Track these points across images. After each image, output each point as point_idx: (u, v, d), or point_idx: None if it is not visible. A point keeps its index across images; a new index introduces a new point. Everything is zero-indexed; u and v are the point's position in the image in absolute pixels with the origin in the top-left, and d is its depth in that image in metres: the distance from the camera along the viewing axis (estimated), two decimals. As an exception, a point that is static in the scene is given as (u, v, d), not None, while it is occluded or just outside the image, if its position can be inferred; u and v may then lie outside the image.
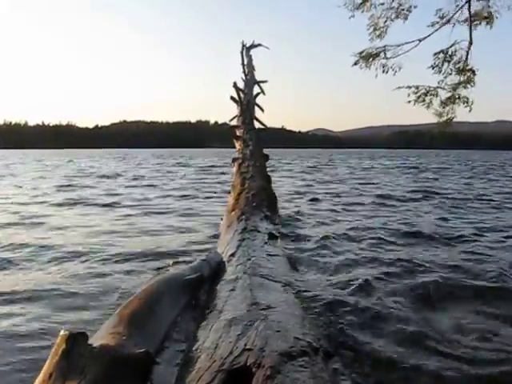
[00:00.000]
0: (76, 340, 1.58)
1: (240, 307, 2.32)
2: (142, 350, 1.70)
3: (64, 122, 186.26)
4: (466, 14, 6.43)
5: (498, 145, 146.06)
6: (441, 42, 6.73)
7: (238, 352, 1.72)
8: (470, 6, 6.41)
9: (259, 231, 4.55)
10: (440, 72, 6.73)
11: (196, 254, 4.60)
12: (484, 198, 10.83)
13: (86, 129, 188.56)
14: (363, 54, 6.77)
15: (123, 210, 8.64)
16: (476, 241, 5.64)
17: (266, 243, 4.15)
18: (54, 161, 39.97)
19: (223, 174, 20.08)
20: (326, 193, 12.12)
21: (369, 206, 9.27)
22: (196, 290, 2.98)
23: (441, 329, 2.86)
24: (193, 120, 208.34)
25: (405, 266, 4.25)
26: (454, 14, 6.49)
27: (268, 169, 8.00)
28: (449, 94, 6.70)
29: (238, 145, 8.73)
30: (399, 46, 6.60)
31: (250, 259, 3.39)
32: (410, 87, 6.63)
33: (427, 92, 6.70)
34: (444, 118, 6.86)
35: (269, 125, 10.41)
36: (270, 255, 3.72)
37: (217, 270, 3.38)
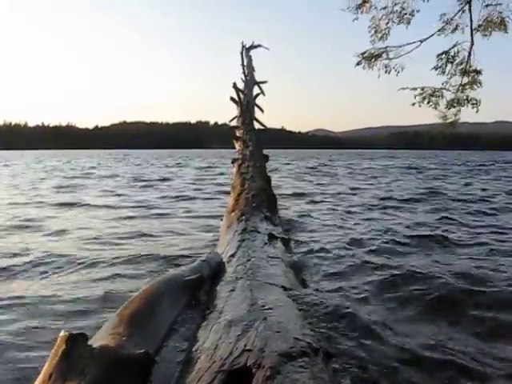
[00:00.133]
0: (76, 341, 1.58)
1: (240, 308, 2.32)
2: (141, 351, 1.70)
3: (64, 123, 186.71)
4: (468, 15, 6.42)
5: (497, 145, 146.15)
6: (442, 42, 6.72)
7: (238, 352, 1.72)
8: (470, 7, 6.39)
9: (259, 232, 4.54)
10: (444, 73, 6.71)
11: (195, 257, 4.52)
12: (486, 199, 10.77)
13: (86, 129, 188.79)
14: (365, 54, 6.75)
15: (122, 211, 8.58)
16: (484, 244, 5.54)
17: (265, 244, 4.15)
18: (54, 162, 39.92)
19: (222, 174, 20.10)
20: (326, 194, 12.12)
21: (370, 207, 9.22)
22: (196, 290, 2.98)
23: (443, 335, 2.83)
24: (193, 121, 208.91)
25: (409, 271, 4.15)
26: (455, 15, 6.48)
27: (268, 169, 7.99)
28: (455, 95, 6.66)
29: (237, 145, 8.73)
30: (401, 46, 6.57)
31: (249, 260, 3.39)
32: (415, 89, 6.60)
33: (433, 93, 6.68)
34: (450, 120, 6.84)
35: (268, 125, 10.41)
36: (269, 256, 3.72)
37: (217, 270, 3.38)
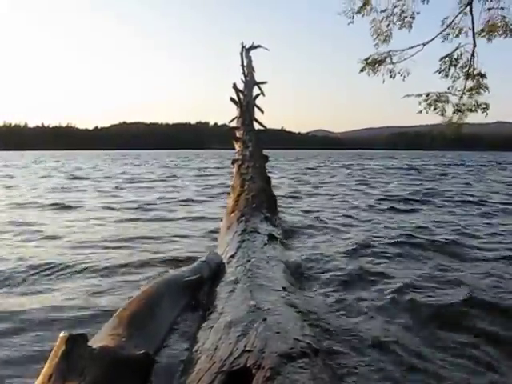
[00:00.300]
0: (76, 342, 1.58)
1: (240, 308, 2.32)
2: (141, 352, 1.70)
3: (64, 124, 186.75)
4: (469, 17, 6.41)
5: (498, 146, 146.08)
6: (444, 46, 6.70)
7: (238, 353, 1.72)
8: (471, 9, 6.39)
9: (259, 233, 4.55)
10: (447, 76, 6.67)
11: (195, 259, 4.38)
12: (489, 200, 10.70)
13: (86, 130, 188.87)
14: (369, 60, 6.73)
15: (121, 213, 8.49)
16: (493, 250, 5.34)
17: (265, 245, 4.15)
18: (53, 162, 39.87)
19: (222, 175, 20.09)
20: (326, 194, 12.12)
21: (370, 208, 9.19)
22: (196, 291, 2.98)
23: (443, 346, 2.76)
24: (192, 121, 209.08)
25: (413, 279, 4.02)
26: (455, 17, 6.48)
27: (268, 170, 7.98)
28: (461, 100, 6.58)
29: (237, 146, 8.73)
30: (404, 50, 6.55)
31: (249, 260, 3.39)
32: (420, 95, 6.55)
33: (438, 98, 6.63)
34: (456, 124, 6.79)
35: (268, 126, 10.44)
36: (269, 257, 3.72)
37: (216, 271, 3.38)
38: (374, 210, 9.01)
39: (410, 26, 6.74)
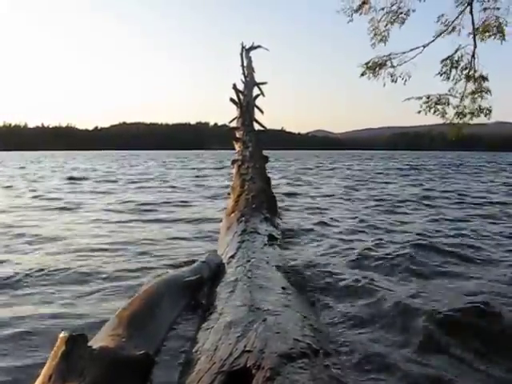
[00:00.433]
0: (75, 342, 1.58)
1: (239, 309, 2.33)
2: (141, 352, 1.70)
3: (64, 124, 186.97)
4: (469, 17, 6.41)
5: (498, 146, 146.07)
6: (445, 47, 6.71)
7: (238, 353, 1.72)
8: (471, 10, 6.39)
9: (259, 233, 4.55)
10: (449, 79, 6.65)
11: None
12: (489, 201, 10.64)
13: (86, 130, 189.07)
14: (369, 64, 6.73)
15: (121, 215, 8.43)
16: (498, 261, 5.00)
17: (265, 245, 4.15)
18: (52, 163, 39.82)
19: (222, 176, 20.09)
20: (327, 195, 12.10)
21: (369, 209, 9.18)
22: (196, 291, 2.98)
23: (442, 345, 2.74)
24: (192, 122, 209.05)
25: (416, 283, 3.95)
26: (455, 19, 6.48)
27: (267, 170, 7.97)
28: (463, 104, 6.56)
29: (237, 146, 8.74)
30: (404, 53, 6.57)
31: (249, 261, 3.39)
32: (420, 98, 6.53)
33: (438, 100, 6.61)
34: (458, 127, 6.79)
35: (268, 126, 10.44)
36: (269, 257, 3.72)
37: (216, 271, 3.38)
38: (375, 210, 8.99)
39: (403, 22, 6.75)
